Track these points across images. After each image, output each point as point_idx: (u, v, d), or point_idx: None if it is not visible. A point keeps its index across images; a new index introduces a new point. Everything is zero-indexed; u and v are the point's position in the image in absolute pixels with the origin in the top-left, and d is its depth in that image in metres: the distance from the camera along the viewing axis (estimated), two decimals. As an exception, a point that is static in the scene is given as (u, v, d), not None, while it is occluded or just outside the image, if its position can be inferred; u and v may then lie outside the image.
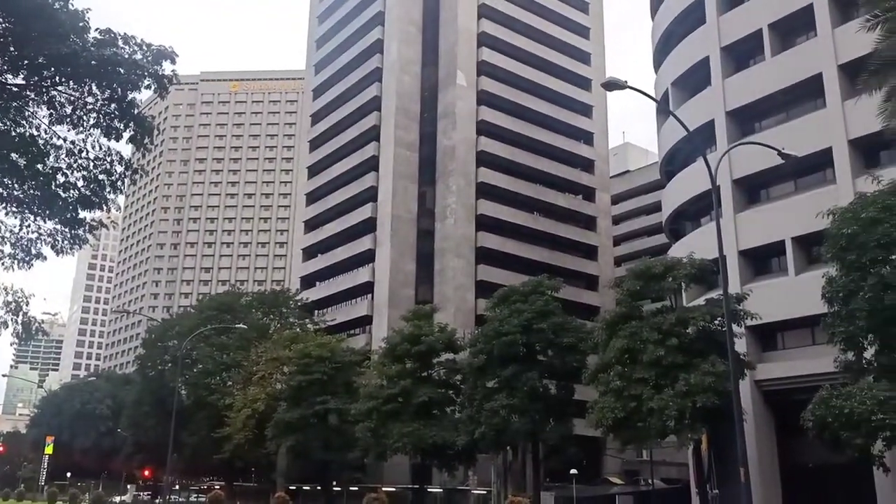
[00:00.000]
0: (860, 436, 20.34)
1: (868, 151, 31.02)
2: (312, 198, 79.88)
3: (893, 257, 21.10)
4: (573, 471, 42.47)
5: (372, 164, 71.37)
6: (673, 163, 41.39)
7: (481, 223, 66.76)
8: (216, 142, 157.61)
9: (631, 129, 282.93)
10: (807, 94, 33.89)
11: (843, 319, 21.78)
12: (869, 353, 21.99)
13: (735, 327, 25.55)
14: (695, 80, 39.66)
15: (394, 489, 46.53)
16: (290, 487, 50.35)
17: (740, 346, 28.20)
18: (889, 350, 21.40)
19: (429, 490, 45.08)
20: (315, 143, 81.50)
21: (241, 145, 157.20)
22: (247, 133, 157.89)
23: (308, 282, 76.75)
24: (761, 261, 35.05)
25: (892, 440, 20.44)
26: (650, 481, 55.71)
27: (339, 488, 50.96)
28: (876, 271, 21.05)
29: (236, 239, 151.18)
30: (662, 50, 43.67)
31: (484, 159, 68.35)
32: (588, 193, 74.69)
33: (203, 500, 49.54)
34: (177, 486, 71.81)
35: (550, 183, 71.64)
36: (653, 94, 40.61)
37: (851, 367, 22.30)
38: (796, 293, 29.69)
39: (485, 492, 48.53)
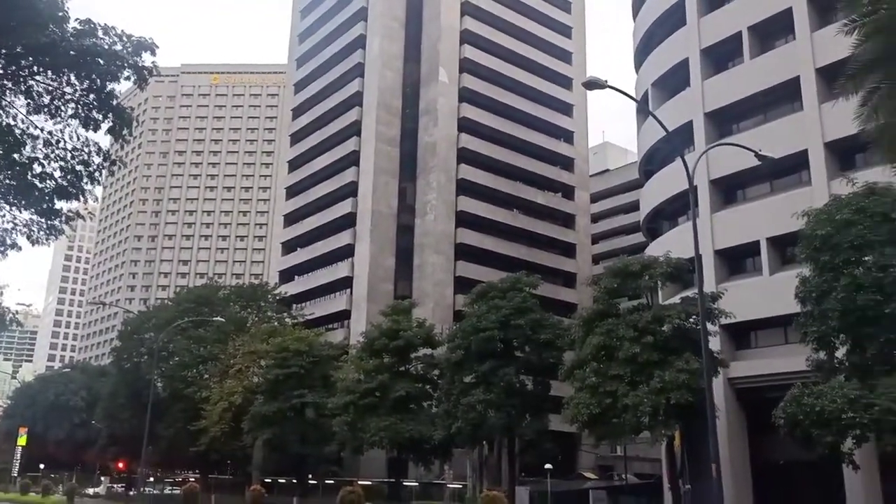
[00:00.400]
0: (831, 434, 20.70)
1: (843, 154, 31.45)
2: (293, 192, 79.65)
3: (866, 259, 21.48)
4: (548, 465, 42.83)
5: (353, 160, 71.26)
6: (652, 162, 41.75)
7: (461, 219, 66.94)
8: (196, 134, 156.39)
9: (611, 128, 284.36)
10: (784, 96, 34.29)
11: (816, 319, 22.17)
12: (840, 353, 22.39)
13: (709, 325, 25.90)
14: (675, 81, 39.99)
15: (370, 483, 46.59)
16: (266, 480, 50.25)
17: (714, 344, 28.49)
18: (860, 350, 21.79)
19: (405, 484, 45.18)
20: (296, 138, 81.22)
21: (222, 138, 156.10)
22: (227, 126, 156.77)
23: (287, 276, 76.53)
24: (736, 260, 35.45)
25: (862, 438, 20.81)
26: (623, 476, 56.31)
27: (314, 481, 50.95)
28: (849, 272, 21.43)
29: (215, 232, 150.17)
30: (643, 51, 44.00)
31: (465, 156, 68.49)
32: (567, 191, 75.08)
33: (178, 492, 49.28)
34: (151, 479, 71.37)
35: (530, 180, 71.95)
36: (633, 95, 41.01)
37: (823, 366, 22.68)
38: (770, 293, 30.03)
39: (460, 486, 48.73)
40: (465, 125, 69.27)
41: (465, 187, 67.82)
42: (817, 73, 32.18)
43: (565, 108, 76.14)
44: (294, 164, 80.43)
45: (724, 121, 37.15)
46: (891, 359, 21.19)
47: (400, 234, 67.79)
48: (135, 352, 62.91)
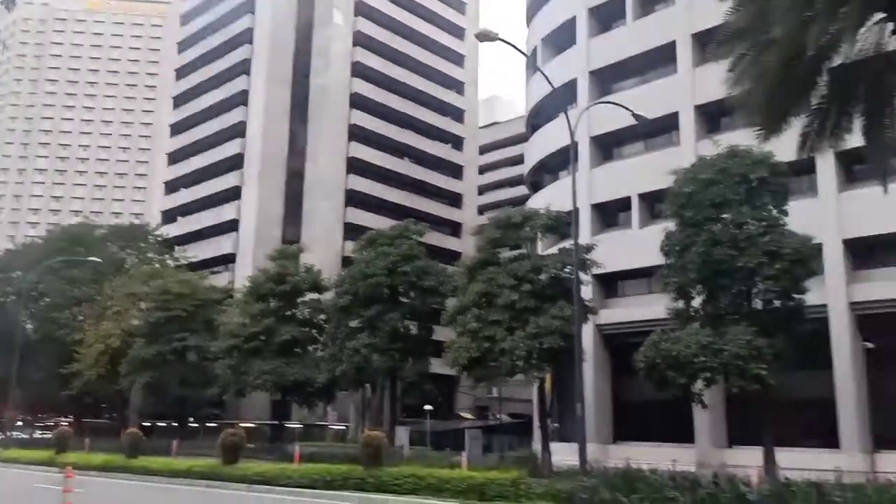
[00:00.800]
0: (684, 376, 22.41)
1: (711, 117, 33.33)
2: (177, 129, 76.65)
3: (724, 216, 23.05)
4: (428, 407, 44.39)
5: (242, 99, 69.22)
6: (538, 117, 42.85)
7: (352, 166, 66.65)
8: (70, 63, 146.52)
9: (503, 81, 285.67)
10: (663, 59, 35.74)
11: (677, 271, 23.70)
12: (697, 302, 23.97)
13: (582, 275, 27.29)
14: (563, 39, 40.94)
15: (253, 425, 46.83)
16: (144, 424, 49.50)
17: (586, 292, 30.01)
18: (714, 300, 23.59)
19: (288, 425, 45.65)
20: (182, 73, 77.85)
21: (100, 69, 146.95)
22: (106, 56, 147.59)
23: (169, 216, 74.13)
24: (611, 214, 37.21)
25: (711, 380, 22.73)
26: (498, 416, 59.09)
27: (196, 424, 50.62)
28: (708, 228, 22.86)
29: (91, 168, 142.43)
30: (535, 6, 44.73)
31: (357, 102, 67.89)
32: (457, 142, 75.97)
33: (49, 436, 47.78)
34: (20, 423, 68.60)
35: (421, 130, 72.30)
36: (524, 49, 41.80)
37: (681, 315, 24.13)
38: (638, 245, 31.70)
39: (343, 427, 49.77)
40: (359, 70, 68.47)
41: (356, 133, 67.39)
42: (693, 38, 33.66)
43: (458, 59, 76.50)
44: (179, 101, 77.24)
45: (607, 80, 38.47)
46: (740, 309, 23.06)
47: (290, 178, 66.83)
48: (0, 292, 59.71)
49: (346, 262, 49.80)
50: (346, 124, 67.10)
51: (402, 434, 35.08)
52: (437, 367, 38.95)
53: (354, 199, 66.00)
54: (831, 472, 15.97)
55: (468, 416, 61.15)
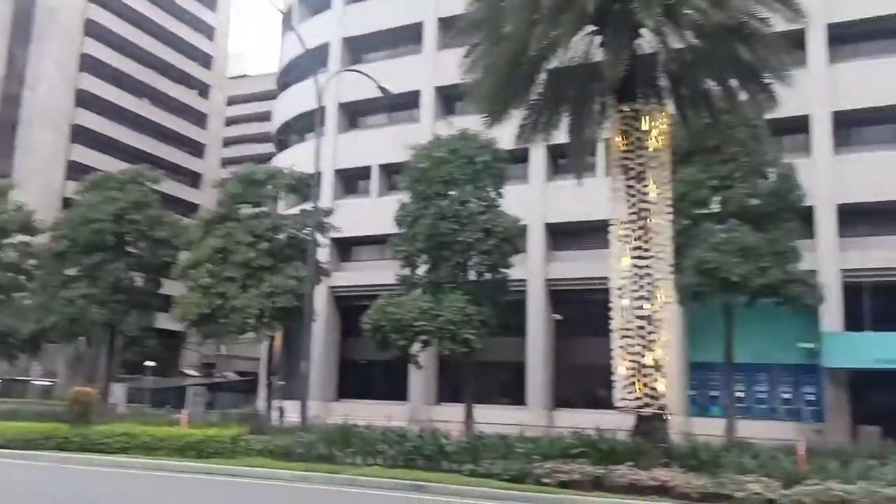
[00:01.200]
0: (404, 338, 24.29)
1: (449, 99, 35.42)
2: None
3: (451, 193, 25.13)
4: (150, 363, 42.69)
5: (-54, 7, 59.97)
6: (290, 76, 42.52)
7: (82, 100, 60.98)
8: None
9: (259, 35, 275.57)
10: (412, 37, 37.22)
11: (407, 240, 25.44)
12: (421, 271, 26.01)
13: (320, 238, 28.15)
14: (320, 0, 40.95)
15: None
16: None
17: (323, 255, 30.91)
18: (436, 269, 25.54)
19: (-19, 382, 41.37)
20: None
21: None
22: None
23: None
24: (353, 181, 38.32)
25: (427, 343, 24.84)
26: (225, 374, 58.51)
27: None
28: (436, 203, 24.79)
29: None
30: (295, -39, 44.03)
31: (93, 31, 62.03)
32: (203, 90, 72.63)
33: None
34: None
35: (166, 72, 68.06)
36: (280, 5, 41.25)
37: (407, 281, 26.03)
38: (375, 213, 33.09)
39: (50, 383, 46.11)
40: (96, -4, 62.53)
41: (90, 65, 61.62)
42: (440, 21, 35.41)
43: (210, 3, 72.89)
44: None
45: (359, 48, 39.16)
46: (457, 279, 25.26)
47: (5, 103, 59.41)
48: None
49: (68, 203, 45.77)
50: (78, 53, 61.04)
51: (119, 391, 33.63)
52: (164, 321, 37.65)
53: (82, 136, 60.47)
54: (518, 427, 18.32)
55: (193, 373, 59.57)
